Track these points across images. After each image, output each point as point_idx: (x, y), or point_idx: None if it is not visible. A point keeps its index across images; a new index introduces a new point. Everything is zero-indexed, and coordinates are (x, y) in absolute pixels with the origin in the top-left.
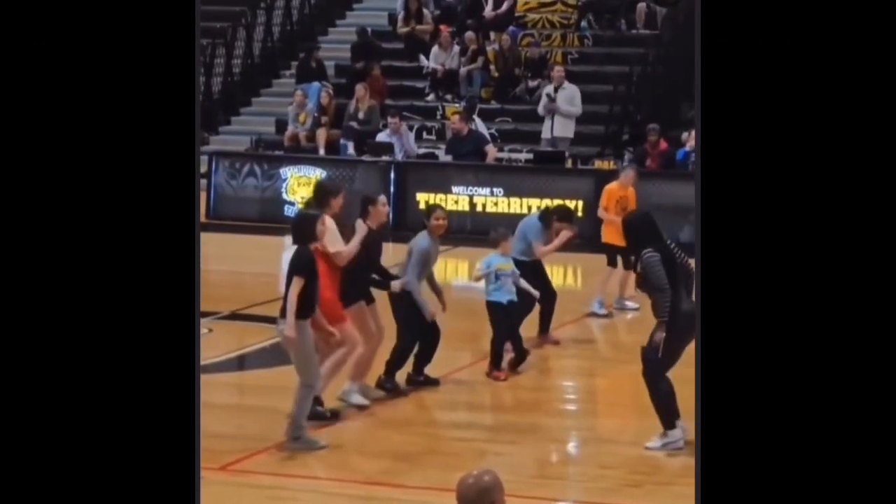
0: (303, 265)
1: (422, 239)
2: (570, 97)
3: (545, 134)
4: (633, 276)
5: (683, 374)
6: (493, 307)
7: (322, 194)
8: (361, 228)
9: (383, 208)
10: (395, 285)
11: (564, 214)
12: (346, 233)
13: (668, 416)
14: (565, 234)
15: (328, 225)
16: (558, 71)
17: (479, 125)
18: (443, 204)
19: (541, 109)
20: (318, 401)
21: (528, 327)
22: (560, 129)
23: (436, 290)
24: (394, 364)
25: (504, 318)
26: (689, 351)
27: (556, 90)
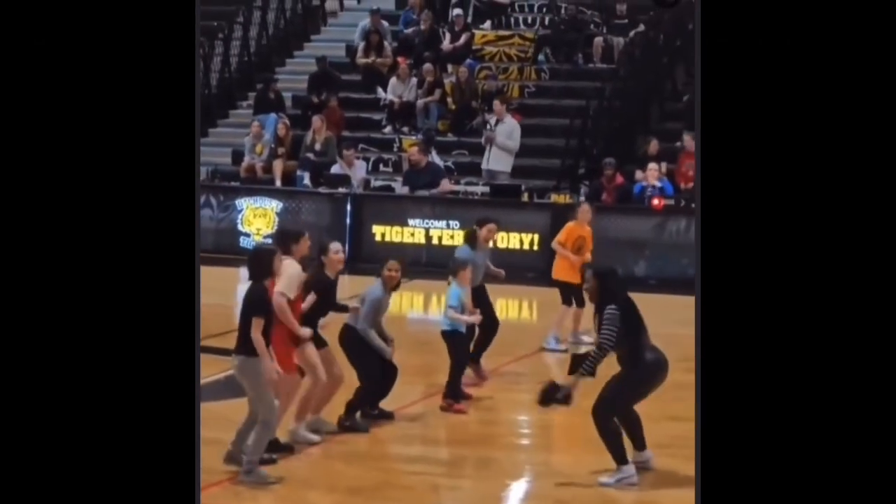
0: (260, 304)
1: (375, 288)
2: (508, 132)
3: (483, 164)
4: (587, 311)
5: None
6: (452, 336)
7: (282, 240)
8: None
9: (336, 256)
10: (350, 317)
11: (481, 220)
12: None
13: (619, 453)
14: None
15: (291, 269)
16: (498, 105)
17: (435, 158)
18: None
19: (483, 139)
20: (272, 445)
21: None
22: (496, 161)
23: (385, 338)
24: (356, 404)
25: (464, 347)
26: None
27: (496, 123)
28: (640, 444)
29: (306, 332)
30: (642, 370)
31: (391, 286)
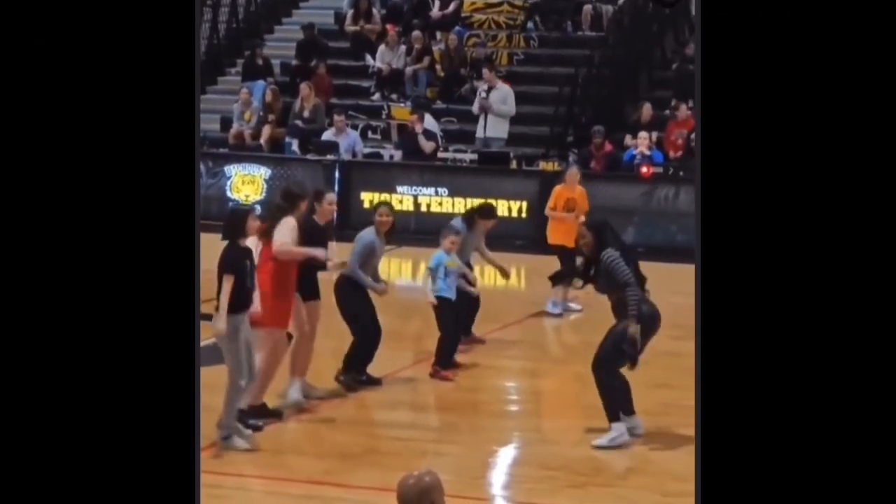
0: (231, 262)
1: (367, 233)
2: (502, 97)
3: (478, 133)
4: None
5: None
6: (440, 302)
7: (287, 200)
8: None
9: (329, 206)
10: (332, 266)
11: (486, 212)
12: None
13: (614, 409)
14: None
15: (291, 226)
16: (488, 72)
17: (431, 123)
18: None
19: (475, 108)
20: (260, 411)
21: None
22: (493, 129)
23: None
24: (353, 359)
25: (451, 315)
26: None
27: (488, 91)
28: (627, 410)
29: (320, 252)
30: (641, 321)
31: (383, 231)
